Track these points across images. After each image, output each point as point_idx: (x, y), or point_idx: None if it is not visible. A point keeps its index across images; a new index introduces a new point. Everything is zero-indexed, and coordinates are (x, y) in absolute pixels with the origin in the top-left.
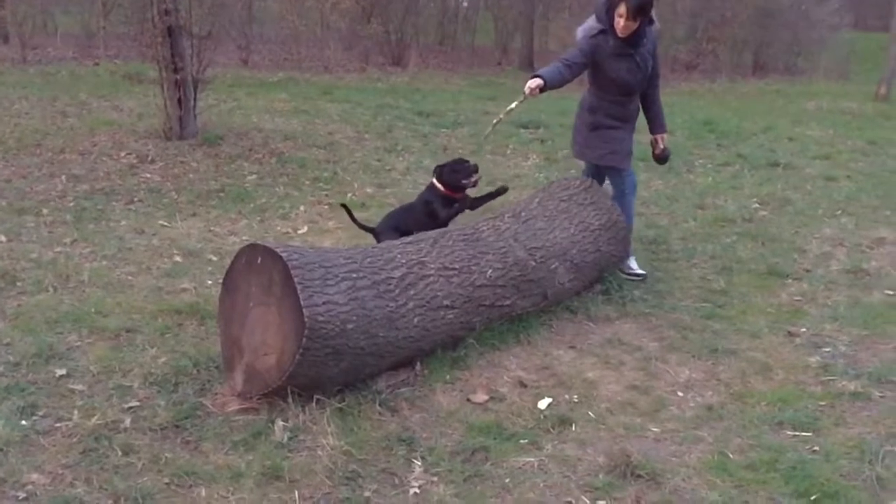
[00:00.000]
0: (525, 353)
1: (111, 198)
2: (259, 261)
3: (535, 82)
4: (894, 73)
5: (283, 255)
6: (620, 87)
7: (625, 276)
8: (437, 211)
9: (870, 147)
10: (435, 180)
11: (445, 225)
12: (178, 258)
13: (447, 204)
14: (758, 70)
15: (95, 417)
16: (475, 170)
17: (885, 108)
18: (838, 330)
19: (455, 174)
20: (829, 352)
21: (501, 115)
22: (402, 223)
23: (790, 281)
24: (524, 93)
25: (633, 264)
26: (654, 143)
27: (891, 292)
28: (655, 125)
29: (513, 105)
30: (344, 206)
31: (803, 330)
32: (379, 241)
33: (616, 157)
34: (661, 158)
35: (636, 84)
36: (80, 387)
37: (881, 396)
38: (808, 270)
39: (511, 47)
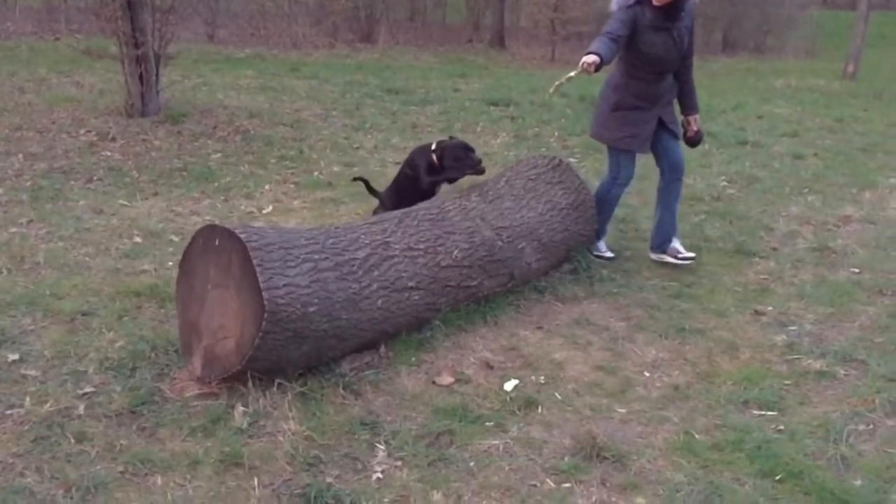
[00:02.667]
0: (492, 335)
1: (69, 177)
2: (217, 242)
3: (591, 58)
4: (861, 52)
5: (242, 236)
6: (653, 64)
7: (593, 256)
8: (420, 178)
9: (837, 125)
10: (435, 157)
11: (427, 194)
12: (137, 239)
13: (434, 173)
14: (727, 48)
15: (48, 404)
16: (479, 167)
17: (852, 86)
18: (804, 308)
19: (457, 162)
20: (794, 330)
21: (563, 80)
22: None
23: (757, 259)
24: (580, 66)
25: (603, 246)
26: (685, 125)
27: (856, 270)
28: (688, 106)
29: (571, 74)
30: (360, 178)
31: (770, 308)
32: (382, 205)
33: (635, 142)
34: (694, 141)
35: (671, 61)
36: (33, 372)
37: (846, 375)
38: (775, 249)
39: (482, 24)
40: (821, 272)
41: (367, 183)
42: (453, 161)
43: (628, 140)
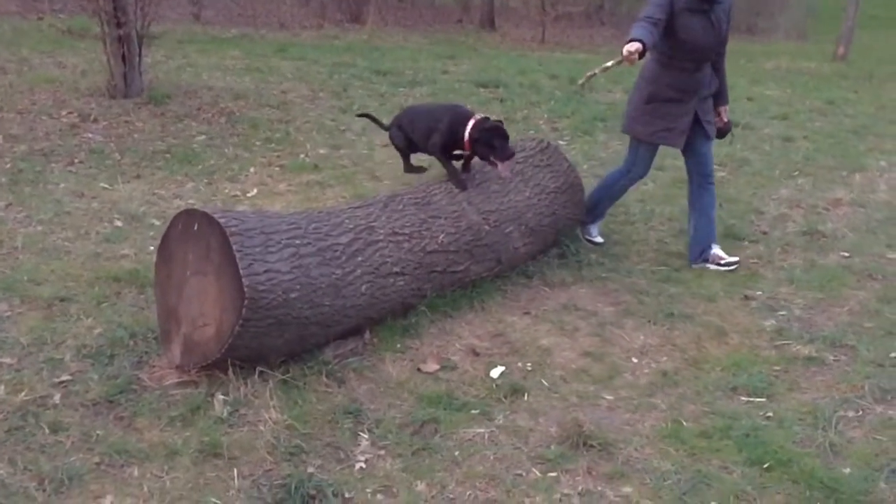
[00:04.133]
0: (478, 320)
1: (50, 159)
2: (196, 227)
3: (634, 46)
4: (852, 33)
5: (222, 220)
6: (691, 50)
7: (584, 240)
8: (436, 139)
9: (827, 107)
10: (467, 132)
11: (442, 160)
12: (118, 223)
13: (457, 142)
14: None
15: (23, 393)
16: (511, 156)
17: (842, 68)
18: (794, 293)
19: (487, 148)
20: (784, 315)
21: (596, 71)
22: (412, 124)
23: (747, 243)
24: (622, 55)
25: (595, 231)
26: (715, 116)
27: (846, 254)
28: (719, 96)
29: (609, 64)
30: (365, 114)
31: (759, 293)
32: (389, 136)
33: (670, 136)
34: (724, 132)
35: (709, 47)
36: (8, 360)
37: (835, 360)
38: (764, 233)
39: (472, 4)
40: (810, 256)
41: (373, 118)
42: (485, 147)
43: (663, 134)
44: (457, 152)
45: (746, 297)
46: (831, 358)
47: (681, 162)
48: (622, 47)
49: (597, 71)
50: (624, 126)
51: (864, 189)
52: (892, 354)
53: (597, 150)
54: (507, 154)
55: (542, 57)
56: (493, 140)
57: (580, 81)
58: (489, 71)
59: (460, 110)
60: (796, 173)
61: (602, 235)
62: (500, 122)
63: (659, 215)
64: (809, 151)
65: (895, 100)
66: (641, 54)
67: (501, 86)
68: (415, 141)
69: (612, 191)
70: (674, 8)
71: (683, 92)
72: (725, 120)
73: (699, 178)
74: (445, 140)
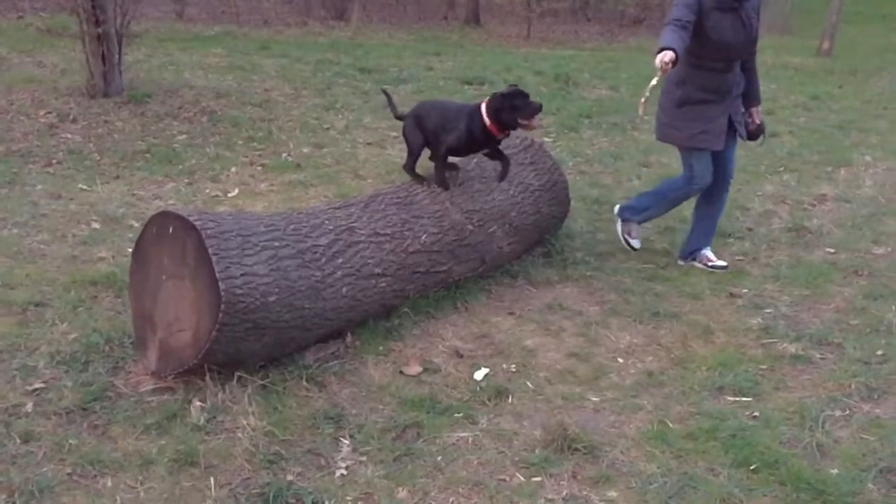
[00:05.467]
0: (462, 321)
1: (27, 160)
2: (171, 230)
3: (668, 55)
4: (836, 28)
5: (197, 223)
6: (721, 50)
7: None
8: (451, 138)
9: (812, 102)
10: (484, 109)
11: (441, 161)
12: (96, 225)
13: (475, 141)
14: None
15: None
16: (539, 109)
17: (827, 63)
18: (780, 290)
19: (513, 112)
20: (770, 313)
21: (647, 94)
22: (428, 119)
23: (732, 240)
24: (658, 69)
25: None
26: (747, 116)
27: (832, 250)
28: (750, 96)
29: (653, 82)
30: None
31: (745, 291)
32: (403, 128)
33: (708, 138)
34: (756, 134)
35: (739, 47)
36: None
37: (821, 358)
38: (750, 229)
39: (457, 1)
40: (796, 253)
41: (390, 100)
42: (509, 111)
43: (701, 137)
44: (485, 152)
45: (732, 295)
46: (818, 356)
47: (667, 159)
48: (654, 57)
49: (647, 94)
50: (658, 134)
51: (850, 184)
52: (879, 352)
53: (582, 146)
54: (532, 108)
55: (527, 53)
56: (513, 102)
57: (640, 112)
58: (474, 68)
59: (473, 107)
60: (781, 169)
61: (580, 235)
62: (513, 85)
63: None
64: (794, 147)
65: (880, 94)
66: (675, 62)
67: (487, 82)
68: (428, 132)
69: (666, 199)
70: (702, 7)
71: (715, 93)
72: (758, 121)
73: (719, 180)
74: (462, 141)
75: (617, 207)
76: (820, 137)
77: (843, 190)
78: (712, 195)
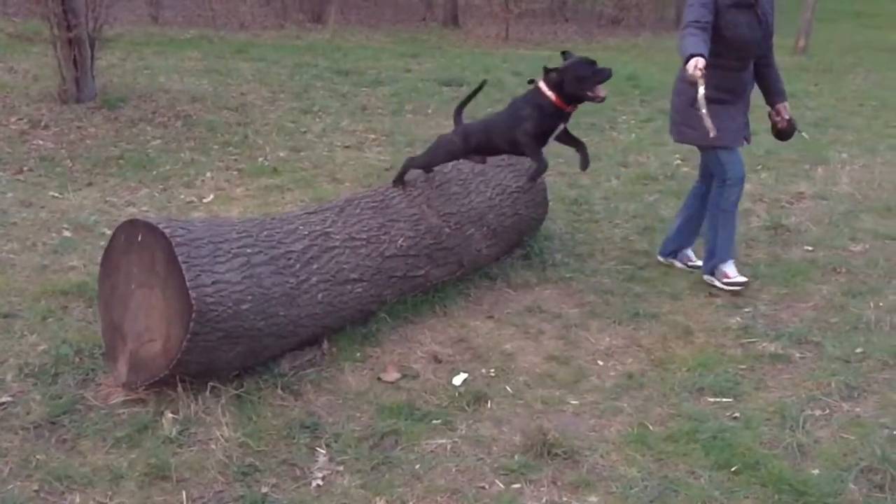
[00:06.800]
0: (440, 326)
1: None
2: (140, 238)
3: (700, 62)
4: (811, 26)
5: (166, 231)
6: (738, 49)
7: (725, 286)
8: (526, 127)
9: (789, 100)
10: (543, 85)
11: (532, 149)
12: (67, 233)
13: (548, 119)
14: (681, 25)
15: None
16: (609, 75)
17: (802, 61)
18: (759, 289)
19: (580, 82)
20: (749, 312)
21: (703, 107)
22: (480, 132)
23: None
24: (698, 78)
25: (732, 271)
26: (774, 115)
27: (810, 248)
28: (775, 92)
29: (701, 91)
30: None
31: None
32: (453, 135)
33: (728, 135)
34: (787, 132)
35: (756, 43)
36: None
37: (801, 357)
38: None
39: (435, 2)
40: (775, 251)
41: (474, 94)
42: (575, 81)
43: (719, 134)
44: (554, 136)
45: (711, 295)
46: (797, 355)
47: (645, 158)
48: (687, 66)
49: (703, 107)
50: (675, 135)
51: (827, 182)
52: (859, 350)
53: (560, 147)
54: (603, 74)
55: (506, 54)
56: (578, 70)
57: (710, 125)
58: (453, 69)
59: (529, 90)
60: (759, 167)
61: (560, 236)
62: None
63: (623, 213)
64: (772, 145)
65: (854, 91)
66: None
67: (465, 84)
68: (497, 145)
69: (725, 214)
70: (719, 5)
71: (731, 93)
72: (787, 117)
73: (718, 183)
74: (537, 123)
75: (706, 276)
76: (797, 135)
77: (821, 187)
78: (707, 194)
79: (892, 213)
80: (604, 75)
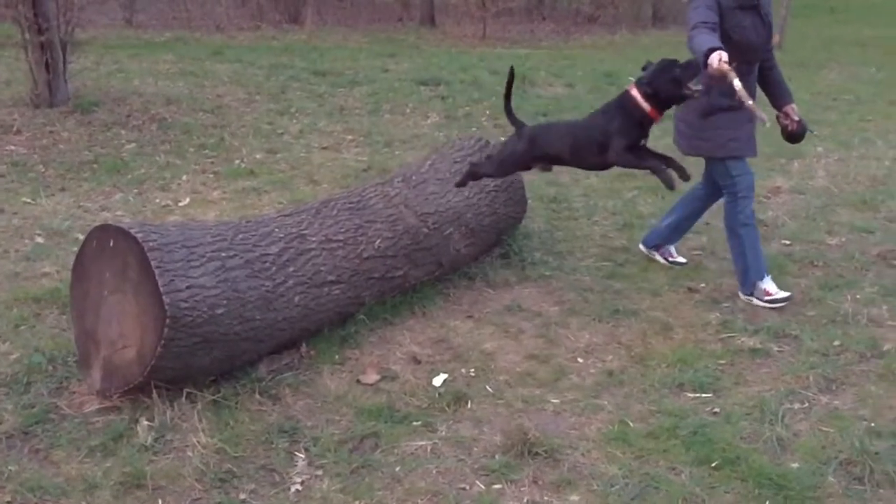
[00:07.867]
0: (420, 326)
1: None
2: (112, 243)
3: (724, 55)
4: (786, 21)
5: (138, 235)
6: (743, 51)
7: (769, 304)
8: (612, 138)
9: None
10: (635, 90)
11: (630, 164)
12: (40, 239)
13: (636, 129)
14: (657, 21)
15: None
16: (698, 69)
17: (779, 56)
18: (737, 284)
19: (675, 84)
20: (728, 307)
21: (757, 111)
22: (553, 139)
23: (690, 235)
24: (727, 70)
25: (772, 287)
26: (782, 118)
27: (787, 242)
28: (782, 94)
29: (737, 84)
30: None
31: (703, 285)
32: (517, 138)
33: (739, 145)
34: (798, 134)
35: (760, 45)
36: None
37: (779, 351)
38: (707, 223)
39: (412, 2)
40: None
41: (509, 87)
42: (670, 83)
43: (732, 145)
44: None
45: (690, 290)
46: (776, 349)
47: None
48: (708, 64)
49: (757, 111)
50: (683, 147)
51: (803, 176)
52: (836, 343)
53: None
54: (691, 68)
55: (483, 53)
56: (670, 72)
57: (763, 117)
58: (430, 69)
59: (620, 96)
60: None
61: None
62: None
63: (602, 209)
64: None
65: (829, 86)
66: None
67: (443, 83)
68: (578, 157)
69: (744, 228)
70: (722, 8)
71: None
72: (797, 118)
73: (713, 188)
74: (628, 129)
75: (744, 297)
76: (773, 129)
77: (797, 182)
78: (707, 198)
79: (867, 206)
80: (692, 70)
